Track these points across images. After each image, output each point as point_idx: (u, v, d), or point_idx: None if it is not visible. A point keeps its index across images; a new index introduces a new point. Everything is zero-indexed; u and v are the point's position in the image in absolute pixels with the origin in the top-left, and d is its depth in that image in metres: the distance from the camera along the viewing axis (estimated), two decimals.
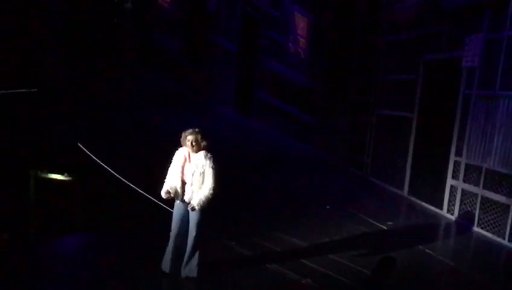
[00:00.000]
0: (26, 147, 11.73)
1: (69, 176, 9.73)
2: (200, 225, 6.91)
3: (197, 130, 6.86)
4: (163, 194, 6.93)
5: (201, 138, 6.82)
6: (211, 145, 6.95)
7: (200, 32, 22.66)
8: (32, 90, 14.04)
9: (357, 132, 14.86)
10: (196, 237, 6.92)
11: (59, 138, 12.87)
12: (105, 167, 11.05)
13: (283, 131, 18.37)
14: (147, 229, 8.73)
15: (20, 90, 13.83)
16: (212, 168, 6.76)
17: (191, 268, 7.01)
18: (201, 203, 6.73)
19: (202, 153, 6.81)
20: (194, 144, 6.75)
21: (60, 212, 9.54)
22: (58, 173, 9.74)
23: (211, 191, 6.75)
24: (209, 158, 6.80)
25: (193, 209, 6.76)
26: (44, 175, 9.71)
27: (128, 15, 22.02)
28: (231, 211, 9.90)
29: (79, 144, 12.05)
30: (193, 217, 6.91)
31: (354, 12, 15.27)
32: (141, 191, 9.99)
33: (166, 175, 6.97)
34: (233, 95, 21.28)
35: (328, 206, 10.94)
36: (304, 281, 7.11)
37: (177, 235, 7.01)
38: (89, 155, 11.62)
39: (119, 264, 7.35)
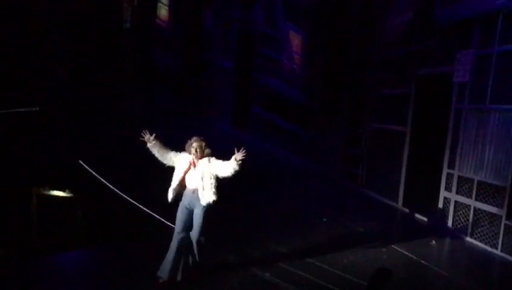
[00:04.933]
0: (28, 165, 11.74)
1: (70, 192, 9.71)
2: (202, 227, 7.19)
3: (201, 138, 7.23)
4: (169, 197, 7.19)
5: (205, 146, 7.15)
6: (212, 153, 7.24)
7: (197, 50, 22.78)
8: (33, 109, 14.07)
9: (352, 145, 14.86)
10: (199, 239, 7.22)
11: (61, 155, 12.89)
12: (105, 182, 11.06)
13: (279, 144, 18.39)
14: (145, 241, 8.75)
15: (21, 110, 13.85)
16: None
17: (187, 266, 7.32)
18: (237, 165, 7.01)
19: (206, 159, 7.11)
20: (198, 150, 7.06)
21: (61, 227, 9.51)
22: (60, 190, 9.72)
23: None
24: (213, 160, 7.16)
25: None
26: (46, 192, 9.68)
27: (128, 34, 22.13)
28: (225, 222, 9.87)
29: (80, 162, 12.07)
30: (197, 221, 7.18)
31: (347, 30, 15.32)
32: (143, 207, 10.02)
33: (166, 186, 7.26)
34: (230, 110, 21.36)
35: (324, 219, 10.90)
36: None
37: (181, 238, 7.22)
38: (90, 172, 11.64)
39: (119, 276, 7.37)
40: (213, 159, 7.15)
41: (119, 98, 21.11)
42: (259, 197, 12.26)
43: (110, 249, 8.82)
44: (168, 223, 9.23)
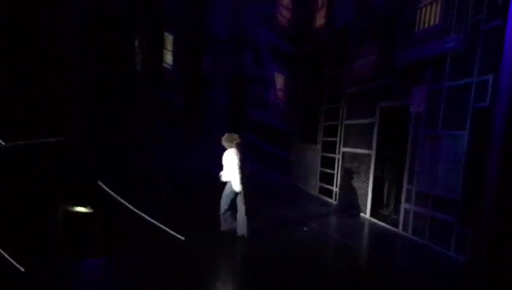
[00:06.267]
0: (56, 185, 11.69)
1: (91, 208, 9.68)
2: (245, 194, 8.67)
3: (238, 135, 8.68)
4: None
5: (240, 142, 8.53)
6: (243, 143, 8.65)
7: (197, 88, 22.92)
8: (60, 139, 14.06)
9: (327, 166, 14.91)
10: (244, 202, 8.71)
11: (83, 177, 12.83)
12: (121, 200, 11.01)
13: (267, 166, 18.41)
14: (156, 251, 8.70)
15: (50, 140, 13.83)
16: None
17: (243, 229, 8.69)
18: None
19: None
20: (239, 145, 8.61)
21: (83, 238, 9.45)
22: (82, 207, 9.69)
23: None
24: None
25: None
26: (70, 208, 9.65)
27: (139, 75, 22.19)
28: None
29: (99, 183, 12.03)
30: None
31: (322, 70, 15.48)
32: (152, 221, 9.97)
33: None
34: None
35: (305, 228, 10.87)
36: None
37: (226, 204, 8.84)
38: (108, 191, 11.59)
39: (134, 280, 7.31)
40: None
41: (131, 127, 21.12)
42: (255, 209, 12.25)
43: (125, 256, 8.75)
44: (176, 234, 9.23)
